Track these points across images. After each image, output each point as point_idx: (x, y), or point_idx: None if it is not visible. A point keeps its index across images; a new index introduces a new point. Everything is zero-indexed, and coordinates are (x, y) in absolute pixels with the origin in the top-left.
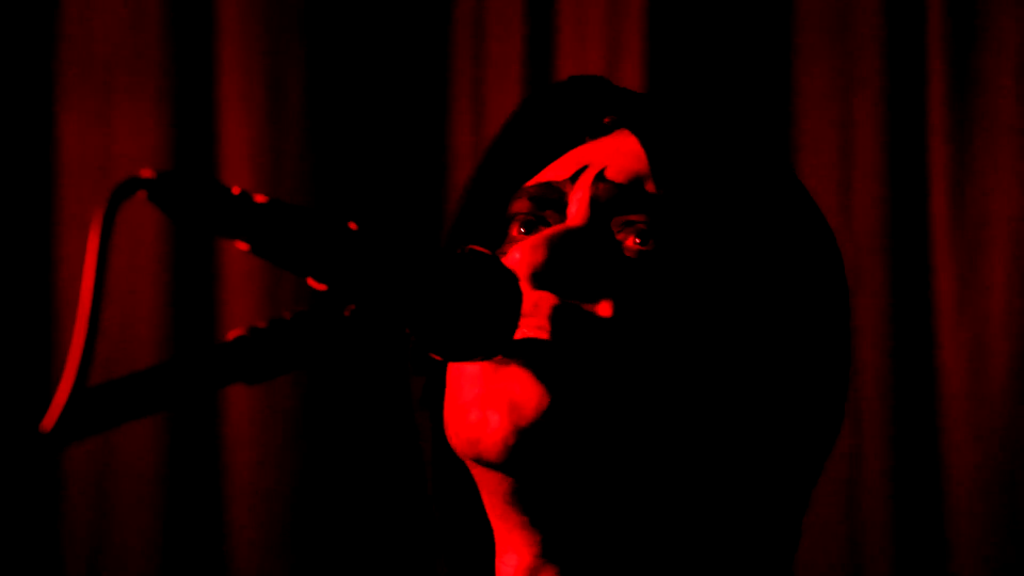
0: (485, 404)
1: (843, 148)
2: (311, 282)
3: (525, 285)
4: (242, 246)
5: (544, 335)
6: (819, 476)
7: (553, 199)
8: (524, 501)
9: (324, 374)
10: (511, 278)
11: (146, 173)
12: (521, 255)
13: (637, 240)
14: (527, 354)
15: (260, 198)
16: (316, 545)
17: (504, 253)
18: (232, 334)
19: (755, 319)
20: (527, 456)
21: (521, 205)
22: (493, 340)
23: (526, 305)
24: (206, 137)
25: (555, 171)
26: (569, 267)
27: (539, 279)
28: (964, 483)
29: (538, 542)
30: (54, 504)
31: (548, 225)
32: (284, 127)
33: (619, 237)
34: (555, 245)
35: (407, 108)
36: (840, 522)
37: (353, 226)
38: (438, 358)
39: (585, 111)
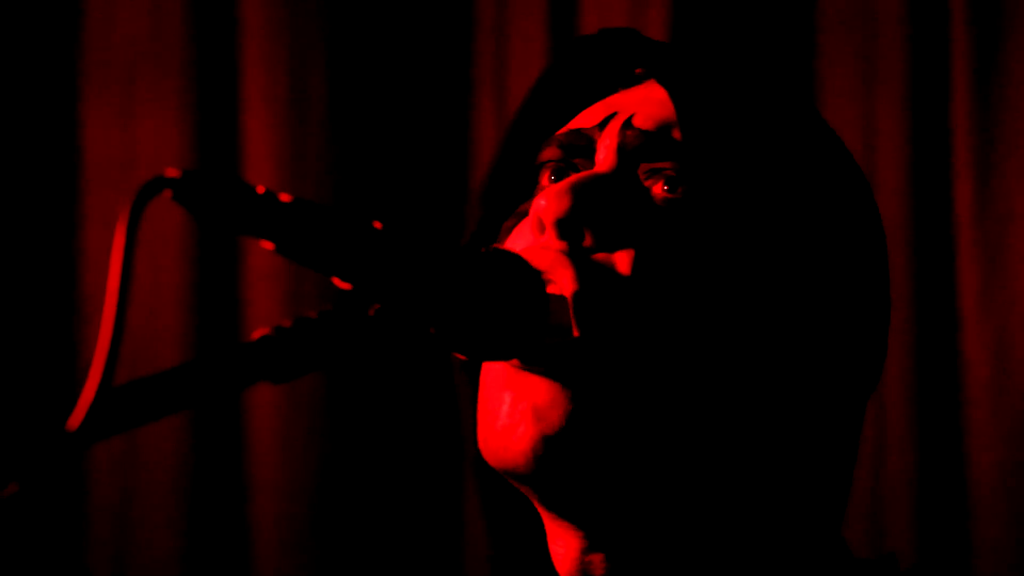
0: (512, 413)
1: (866, 144)
2: (336, 281)
3: (552, 235)
4: (267, 245)
5: (564, 281)
6: (859, 433)
7: (581, 146)
8: (556, 507)
9: (347, 372)
10: (536, 277)
11: (171, 172)
12: (547, 202)
13: (665, 187)
14: (549, 361)
15: (285, 197)
16: (339, 542)
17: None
18: (257, 333)
19: (787, 273)
20: (555, 467)
21: (550, 152)
22: (518, 339)
23: (548, 256)
24: (229, 135)
25: (585, 119)
26: (595, 214)
27: (564, 227)
28: (988, 479)
29: (582, 535)
30: (80, 502)
31: (577, 172)
32: (307, 125)
33: (647, 184)
34: (580, 191)
35: (430, 106)
36: (863, 517)
37: (378, 225)
38: (462, 357)
39: (616, 63)
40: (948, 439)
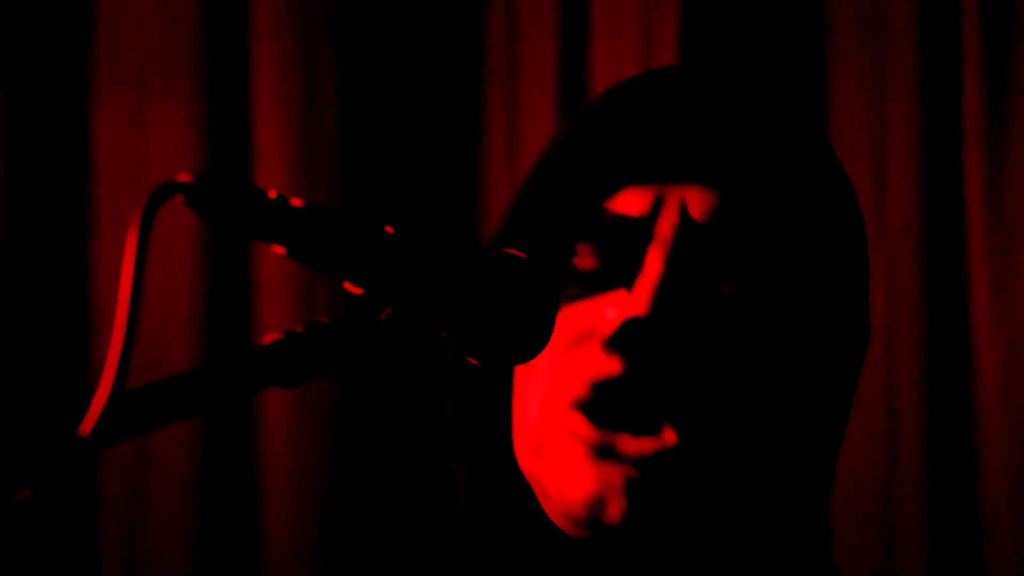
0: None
1: (877, 147)
2: (347, 286)
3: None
4: (278, 250)
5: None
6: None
7: (628, 235)
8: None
9: (359, 376)
10: (548, 281)
11: (183, 177)
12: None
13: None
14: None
15: (296, 201)
16: (350, 547)
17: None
18: (269, 338)
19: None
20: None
21: (594, 232)
22: (531, 344)
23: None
24: (240, 138)
25: (629, 202)
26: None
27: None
28: (1000, 483)
29: None
30: (91, 507)
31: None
32: (318, 130)
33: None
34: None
35: (441, 109)
36: (875, 520)
37: (390, 229)
38: (475, 363)
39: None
40: (960, 443)
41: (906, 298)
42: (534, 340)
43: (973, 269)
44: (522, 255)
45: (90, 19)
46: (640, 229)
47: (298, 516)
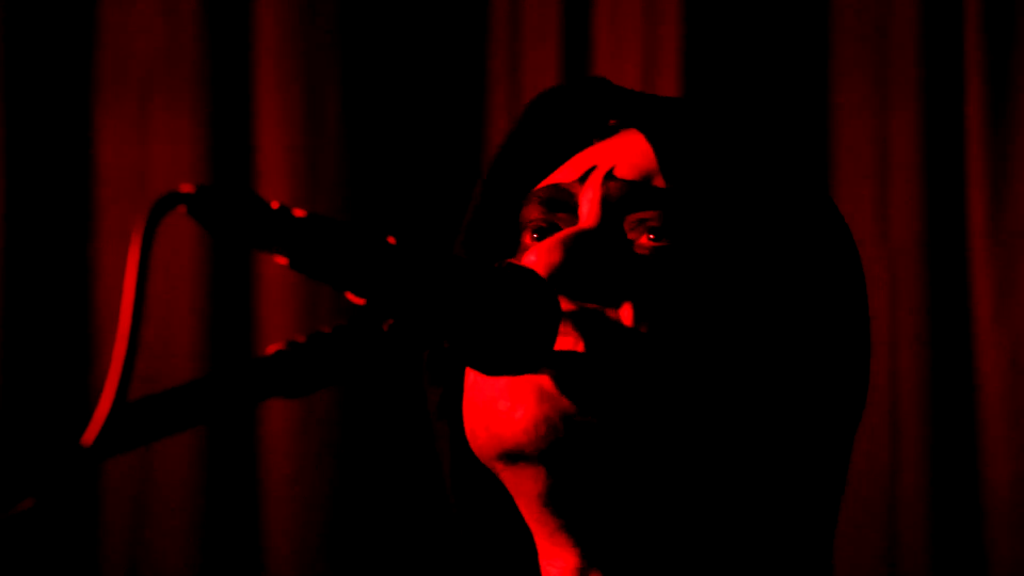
0: (512, 394)
1: (880, 158)
2: (350, 296)
3: None
4: (281, 260)
5: (568, 340)
6: (847, 465)
7: (564, 201)
8: (558, 501)
9: (361, 386)
10: (549, 291)
11: (186, 187)
12: (537, 258)
13: (651, 237)
14: (561, 364)
15: (299, 212)
16: (352, 556)
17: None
18: (271, 348)
19: (771, 311)
20: (556, 444)
21: (532, 211)
22: (532, 353)
23: None
24: (243, 149)
25: (563, 174)
26: (585, 268)
27: (556, 282)
28: (1003, 492)
29: (579, 545)
30: (94, 516)
31: (560, 229)
32: (321, 140)
33: (631, 236)
34: (570, 247)
35: (444, 120)
36: (877, 530)
37: (392, 240)
38: (478, 372)
39: (589, 113)
40: (963, 452)
41: (909, 306)
42: (535, 349)
43: (976, 277)
44: (524, 266)
45: (94, 30)
46: (570, 191)
47: (299, 523)
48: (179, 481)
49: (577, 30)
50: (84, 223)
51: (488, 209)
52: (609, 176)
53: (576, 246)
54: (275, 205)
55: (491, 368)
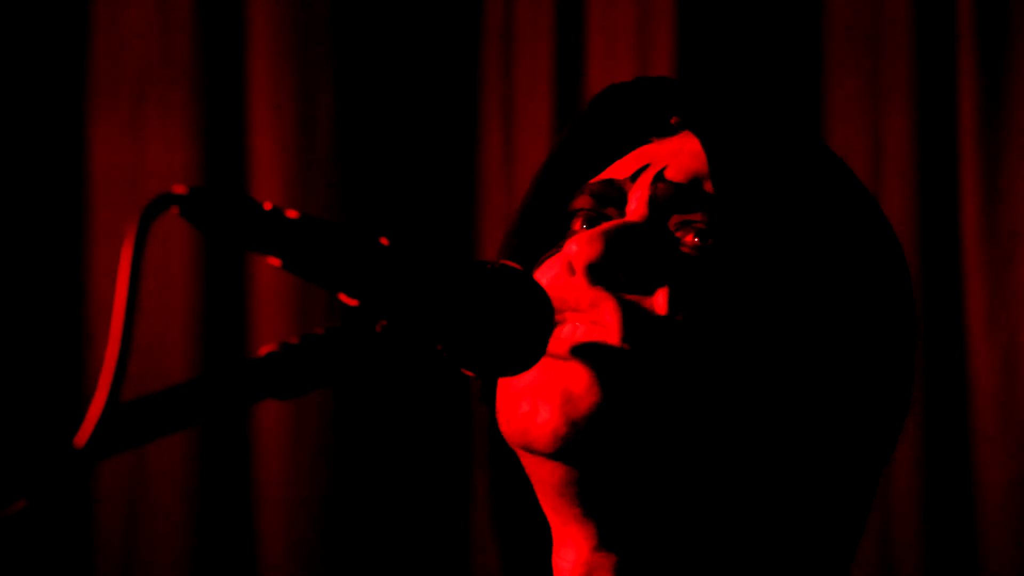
0: (537, 394)
1: (873, 157)
2: (343, 297)
3: (581, 278)
4: (274, 261)
5: (601, 330)
6: (881, 470)
7: (614, 196)
8: (577, 492)
9: (354, 388)
10: (542, 294)
11: (178, 189)
12: (578, 247)
13: (696, 239)
14: (587, 354)
15: (292, 213)
16: (346, 556)
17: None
18: (264, 350)
19: (812, 318)
20: (578, 447)
21: (583, 201)
22: (525, 356)
23: (582, 300)
24: (236, 150)
25: (618, 169)
26: (624, 259)
27: (595, 272)
28: (996, 493)
29: (594, 534)
30: (87, 518)
31: (608, 221)
32: (314, 142)
33: (677, 235)
34: (612, 239)
35: (437, 121)
36: (872, 533)
37: (384, 241)
38: (470, 374)
39: (652, 112)
40: (956, 454)
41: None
42: (528, 352)
43: (969, 280)
44: (517, 267)
45: (87, 32)
46: (621, 187)
47: (294, 527)
48: (172, 482)
49: (570, 31)
50: (77, 225)
51: (542, 199)
52: (659, 177)
53: (618, 238)
54: (268, 206)
55: (483, 370)
